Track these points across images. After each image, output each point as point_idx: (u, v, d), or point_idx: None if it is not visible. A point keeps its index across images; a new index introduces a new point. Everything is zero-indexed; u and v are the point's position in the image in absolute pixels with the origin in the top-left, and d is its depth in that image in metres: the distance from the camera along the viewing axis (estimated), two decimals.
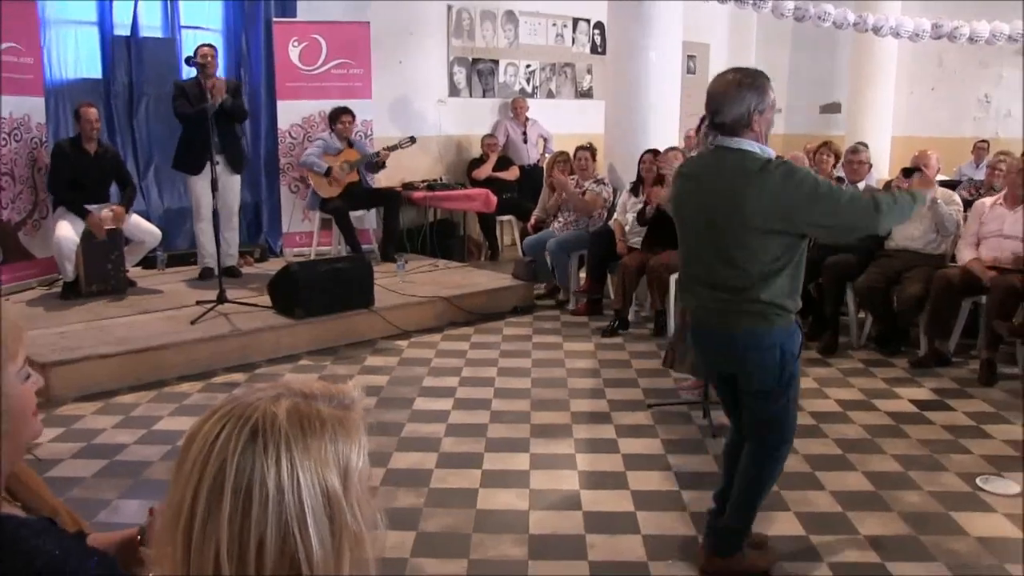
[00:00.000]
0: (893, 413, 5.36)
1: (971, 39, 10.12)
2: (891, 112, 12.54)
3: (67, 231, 6.86)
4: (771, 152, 3.21)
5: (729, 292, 3.25)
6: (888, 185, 4.86)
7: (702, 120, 5.35)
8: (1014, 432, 5.15)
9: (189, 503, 1.04)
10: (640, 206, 7.18)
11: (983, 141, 10.69)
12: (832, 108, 13.99)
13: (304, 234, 9.01)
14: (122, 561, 1.72)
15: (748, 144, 3.20)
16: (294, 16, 9.09)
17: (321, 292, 6.54)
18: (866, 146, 7.52)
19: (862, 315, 6.88)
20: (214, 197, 6.75)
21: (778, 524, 3.98)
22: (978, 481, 4.42)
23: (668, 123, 8.16)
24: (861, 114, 12.49)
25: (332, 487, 1.06)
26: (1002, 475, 4.53)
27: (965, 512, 4.09)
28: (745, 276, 3.20)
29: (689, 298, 3.48)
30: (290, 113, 8.95)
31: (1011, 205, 6.25)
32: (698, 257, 3.38)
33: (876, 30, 9.95)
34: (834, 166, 8.05)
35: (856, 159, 7.11)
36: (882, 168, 10.46)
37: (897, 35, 10.10)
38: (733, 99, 3.18)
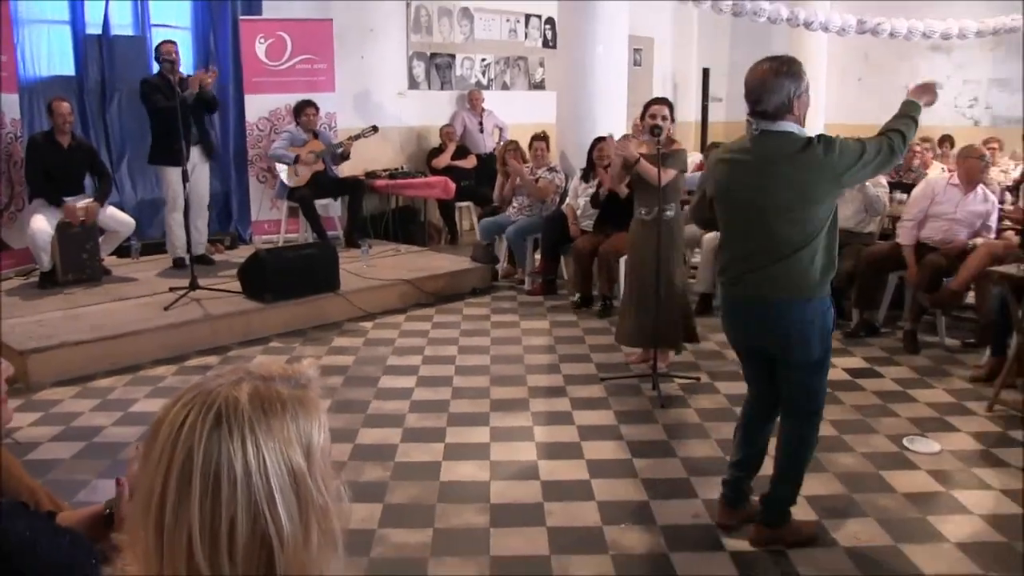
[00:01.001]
0: (828, 381, 5.39)
1: (892, 35, 10.25)
2: (824, 101, 12.62)
3: (42, 223, 6.71)
4: (806, 132, 3.27)
5: (776, 269, 3.25)
6: None
7: (645, 108, 5.36)
8: (936, 395, 5.24)
9: (159, 490, 1.01)
10: (592, 191, 7.16)
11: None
12: None
13: (272, 222, 8.89)
14: (92, 535, 1.68)
15: (790, 126, 3.24)
16: (260, 14, 8.93)
17: (289, 277, 6.46)
18: None
19: None
20: (186, 187, 6.63)
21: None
22: (904, 442, 4.49)
23: (616, 112, 8.14)
24: None
25: (297, 465, 1.04)
26: (925, 435, 4.61)
27: (894, 471, 4.15)
28: (791, 250, 3.22)
29: (742, 277, 3.38)
30: (257, 107, 8.81)
31: (967, 190, 6.24)
32: (746, 236, 3.36)
33: (807, 25, 10.03)
34: None
35: None
36: None
37: (826, 30, 10.20)
38: (773, 87, 3.21)
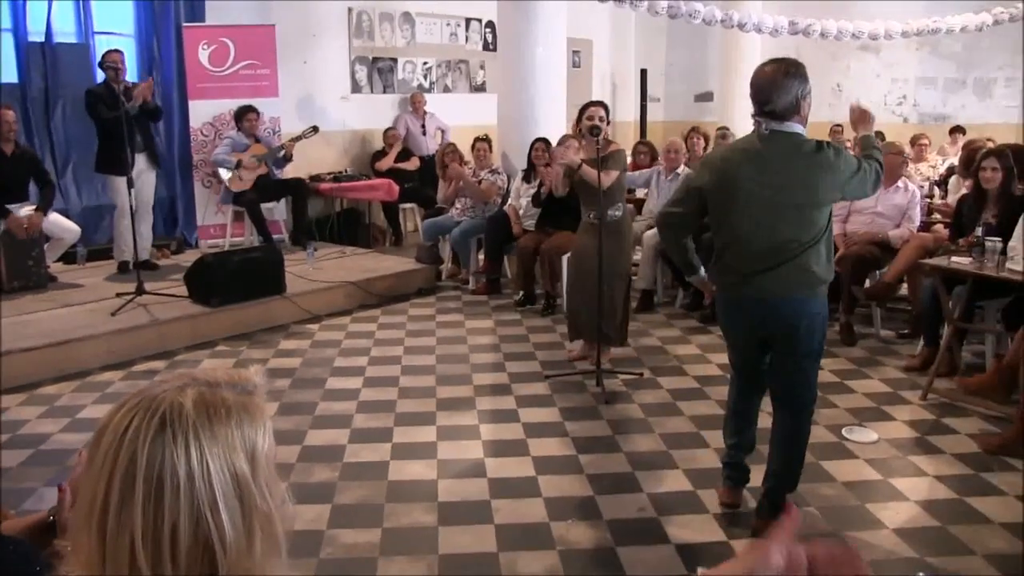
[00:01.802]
0: None
1: (822, 35, 10.43)
2: None
3: None
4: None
5: (785, 264, 3.30)
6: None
7: (582, 111, 5.36)
8: (873, 386, 5.32)
9: (103, 495, 0.99)
10: (533, 191, 7.15)
11: (838, 125, 10.99)
12: (705, 97, 14.20)
13: (218, 226, 8.74)
14: (37, 543, 1.65)
15: (797, 127, 3.31)
16: (203, 20, 8.77)
17: (235, 281, 6.36)
18: (729, 130, 7.65)
19: None
20: (131, 194, 6.51)
21: (668, 481, 4.02)
22: (843, 432, 4.54)
23: (556, 114, 8.14)
24: (731, 102, 12.68)
25: (241, 471, 1.02)
26: (863, 425, 4.67)
27: (833, 460, 4.20)
28: (800, 249, 3.29)
29: (757, 275, 3.37)
30: (201, 112, 8.65)
31: (887, 184, 6.32)
32: (755, 233, 3.35)
33: (741, 26, 10.14)
34: (705, 148, 8.18)
35: (724, 142, 7.23)
36: None
37: (759, 31, 10.32)
38: (782, 88, 3.25)
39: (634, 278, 7.19)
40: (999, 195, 5.40)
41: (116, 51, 7.17)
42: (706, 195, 3.50)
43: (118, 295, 6.32)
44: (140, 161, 7.18)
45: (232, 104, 8.57)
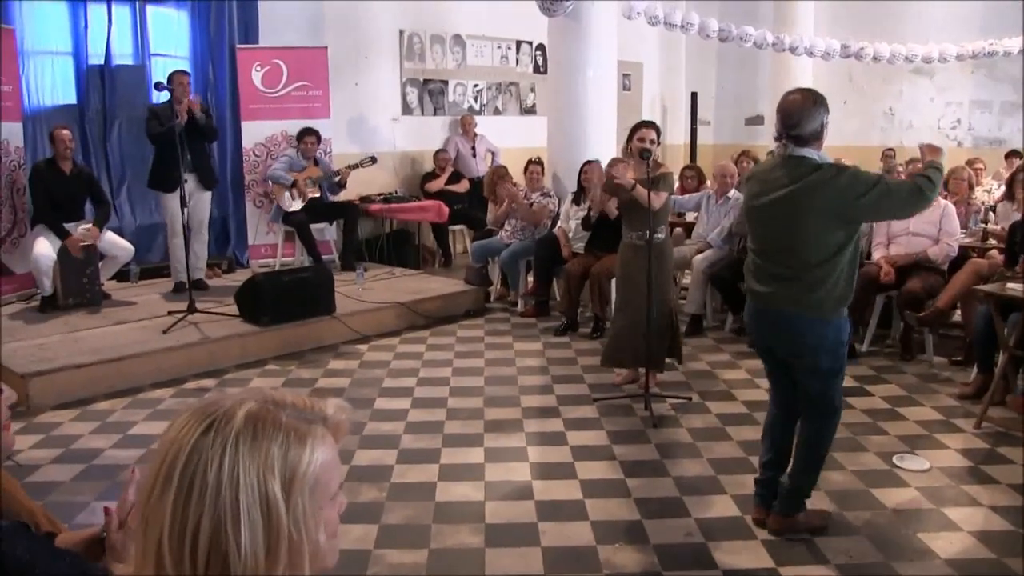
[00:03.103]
0: None
1: (875, 58, 10.35)
2: None
3: (45, 248, 6.71)
4: (828, 158, 3.53)
5: (801, 284, 3.45)
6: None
7: (632, 131, 5.37)
8: (925, 413, 5.23)
9: (148, 486, 1.03)
10: (583, 213, 7.17)
11: (889, 149, 10.89)
12: (756, 120, 14.12)
13: (269, 246, 8.89)
14: (89, 556, 1.69)
15: (816, 154, 3.47)
16: (256, 42, 8.96)
17: (285, 300, 6.45)
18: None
19: None
20: (184, 213, 6.65)
21: (716, 506, 3.99)
22: (894, 459, 4.47)
23: (606, 136, 8.16)
24: None
25: (272, 492, 1.02)
26: (915, 453, 4.60)
27: (883, 488, 4.14)
28: (815, 271, 3.42)
29: (760, 285, 3.60)
30: (254, 133, 8.83)
31: None
32: (775, 251, 3.55)
33: (792, 50, 10.11)
34: None
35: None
36: None
37: (811, 54, 10.28)
38: (811, 114, 3.43)
39: (683, 302, 7.24)
40: None
41: (183, 72, 7.39)
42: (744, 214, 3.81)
43: (170, 313, 6.46)
44: (191, 181, 7.32)
45: (284, 125, 8.75)
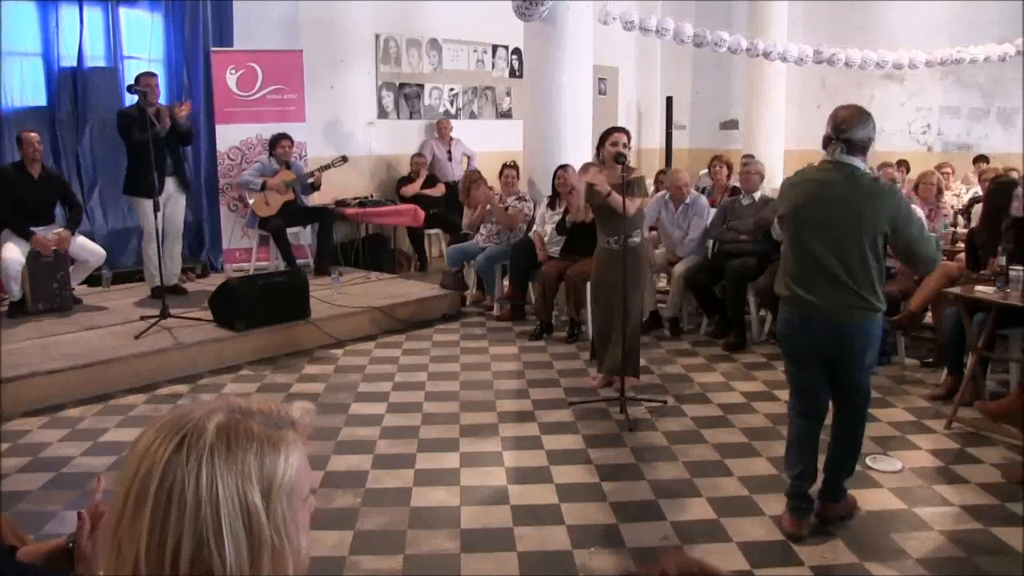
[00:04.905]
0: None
1: (847, 64, 10.45)
2: (783, 128, 12.79)
3: (13, 252, 6.62)
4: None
5: (850, 288, 3.57)
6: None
7: (604, 136, 5.39)
8: (897, 414, 5.28)
9: (120, 506, 1.01)
10: (558, 217, 7.18)
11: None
12: (731, 125, 14.22)
13: (243, 250, 8.83)
14: (54, 569, 1.65)
15: (860, 163, 3.62)
16: (231, 45, 8.90)
17: (260, 305, 6.41)
18: (754, 158, 7.65)
19: (763, 313, 6.98)
20: (160, 218, 6.59)
21: (692, 509, 4.00)
22: (867, 460, 4.50)
23: (581, 141, 8.18)
24: (756, 130, 12.69)
25: (252, 502, 1.01)
26: (887, 454, 4.64)
27: (857, 489, 4.15)
28: (863, 275, 3.56)
29: (809, 294, 3.66)
30: (228, 137, 8.77)
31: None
32: (822, 255, 3.61)
33: (766, 55, 10.19)
34: (728, 177, 8.16)
35: (745, 170, 7.23)
36: (776, 179, 10.65)
37: (784, 59, 10.36)
38: (864, 123, 3.61)
39: (662, 306, 7.28)
40: (1015, 223, 5.42)
41: (150, 74, 7.28)
42: (781, 216, 3.93)
43: (142, 318, 6.39)
44: (170, 185, 7.25)
45: (259, 129, 8.69)
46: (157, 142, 6.60)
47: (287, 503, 1.05)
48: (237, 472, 1.01)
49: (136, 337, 6.06)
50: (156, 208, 6.55)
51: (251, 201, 8.41)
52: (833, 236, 3.58)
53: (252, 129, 8.75)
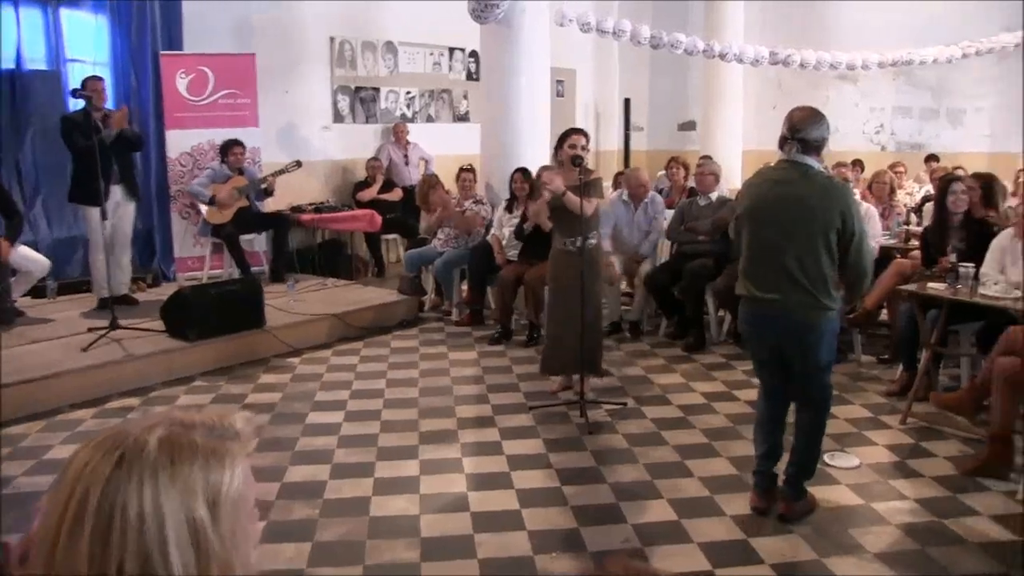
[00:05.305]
0: (752, 402, 5.46)
1: (802, 65, 10.60)
2: (740, 129, 12.92)
3: None
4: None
5: (803, 286, 3.65)
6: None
7: (563, 138, 5.40)
8: (854, 411, 5.37)
9: (54, 530, 0.99)
10: (516, 221, 7.18)
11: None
12: (688, 126, 14.35)
13: (196, 258, 8.71)
14: None
15: (814, 163, 3.73)
16: (181, 48, 8.77)
17: (214, 314, 6.32)
18: (711, 159, 7.72)
19: (721, 313, 7.04)
20: (109, 226, 6.46)
21: (653, 511, 4.02)
22: (825, 457, 4.55)
23: (539, 143, 8.19)
24: (714, 131, 12.81)
25: (198, 517, 1.00)
26: (845, 450, 4.71)
27: (816, 486, 4.20)
28: (817, 272, 3.65)
29: (765, 292, 3.76)
30: (179, 142, 8.65)
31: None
32: (777, 253, 3.70)
33: (722, 56, 10.29)
34: (686, 178, 8.22)
35: (700, 171, 7.29)
36: (734, 180, 10.76)
37: (740, 60, 10.47)
38: (818, 123, 3.75)
39: (627, 309, 7.35)
40: (964, 221, 5.56)
41: (97, 78, 7.15)
42: (738, 215, 3.96)
43: (90, 330, 6.26)
44: (117, 192, 7.11)
45: (211, 134, 8.59)
46: (103, 148, 6.47)
47: (234, 515, 1.04)
48: (181, 486, 1.00)
49: (84, 349, 5.94)
50: (104, 216, 6.42)
51: (203, 209, 8.31)
52: (788, 234, 3.66)
53: (204, 134, 8.64)
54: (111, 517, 0.96)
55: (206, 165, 8.49)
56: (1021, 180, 8.47)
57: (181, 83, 8.59)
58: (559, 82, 12.85)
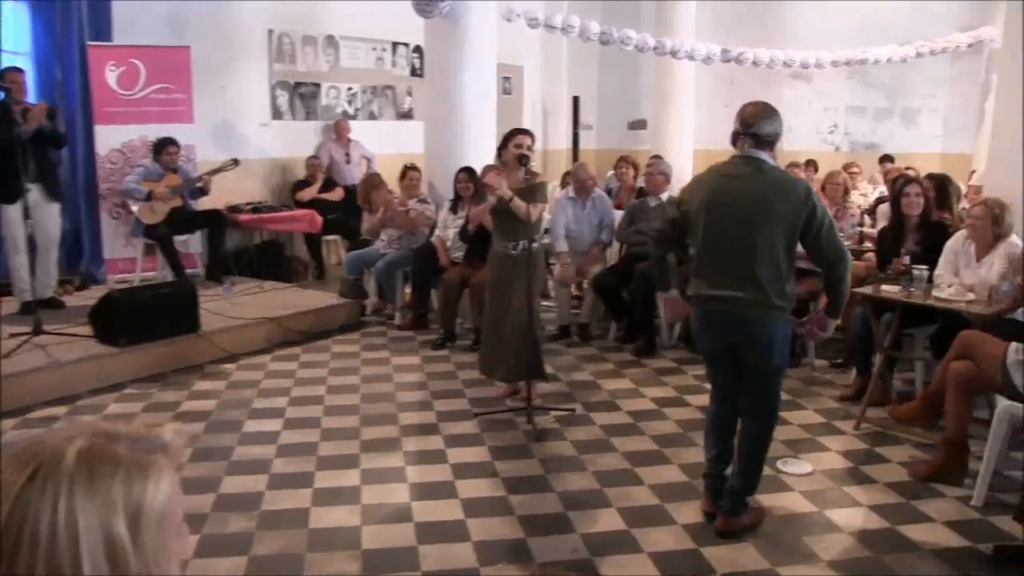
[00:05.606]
0: (704, 407, 5.51)
1: (754, 63, 10.75)
2: (691, 128, 13.05)
3: None
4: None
5: (759, 284, 3.66)
6: None
7: (507, 138, 5.41)
8: (807, 416, 5.45)
9: None
10: (461, 222, 7.17)
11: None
12: (639, 125, 14.45)
13: (127, 260, 8.54)
14: None
15: (767, 158, 3.75)
16: (109, 40, 8.61)
17: (145, 318, 6.22)
18: (661, 159, 7.79)
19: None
20: (28, 226, 6.29)
21: (602, 520, 4.04)
22: (778, 464, 4.63)
23: (485, 142, 8.18)
24: (664, 130, 12.91)
25: (116, 533, 0.98)
26: (798, 457, 4.77)
27: (769, 493, 4.28)
28: (771, 270, 3.65)
29: (718, 290, 3.76)
30: (109, 138, 8.46)
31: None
32: (730, 249, 3.72)
33: (673, 53, 10.39)
34: (635, 178, 8.28)
35: (649, 171, 7.36)
36: (684, 180, 10.84)
37: (692, 58, 10.59)
38: (771, 118, 3.78)
39: (576, 311, 7.35)
40: (919, 223, 5.67)
41: (16, 69, 6.98)
42: (687, 212, 3.92)
43: (11, 336, 6.09)
44: (34, 192, 6.90)
45: (143, 130, 8.44)
46: (21, 144, 6.30)
47: (157, 531, 1.02)
48: (100, 501, 0.98)
49: (4, 356, 5.79)
50: (27, 216, 6.26)
51: (135, 207, 8.15)
52: (743, 230, 3.67)
53: (135, 130, 8.48)
54: (20, 532, 0.94)
55: (137, 162, 8.33)
56: (972, 182, 8.70)
57: (111, 76, 8.42)
58: (506, 79, 12.86)
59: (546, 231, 7.26)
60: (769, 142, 3.76)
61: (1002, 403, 4.27)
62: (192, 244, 8.66)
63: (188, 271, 8.24)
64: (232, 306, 7.27)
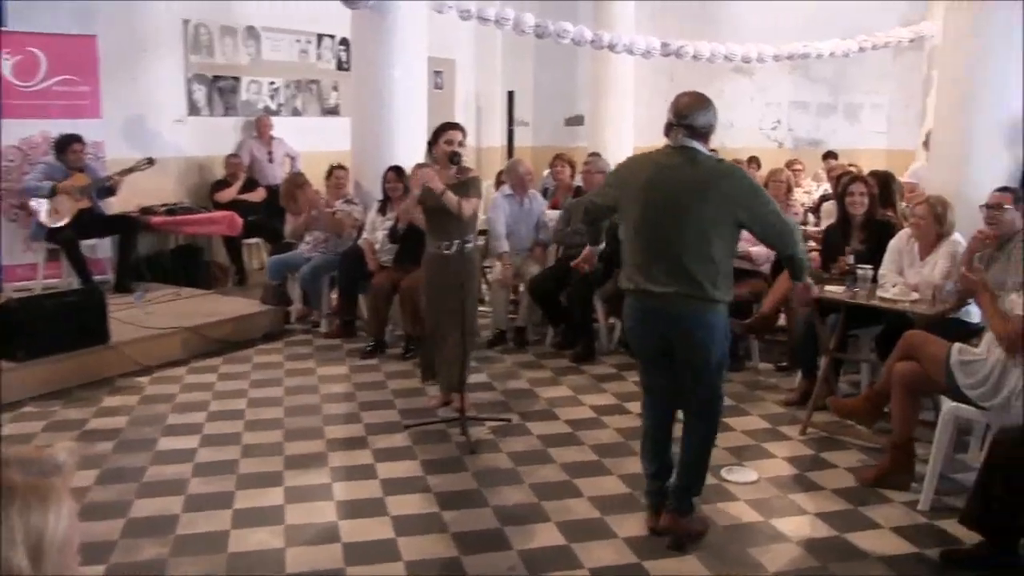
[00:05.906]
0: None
1: (695, 57, 10.87)
2: (631, 123, 13.16)
3: None
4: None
5: (694, 277, 3.66)
6: None
7: (438, 134, 5.39)
8: (752, 422, 5.52)
9: None
10: (390, 223, 7.11)
11: (712, 149, 11.43)
12: (576, 121, 14.53)
13: (27, 266, 8.30)
14: None
15: (702, 148, 3.77)
16: (3, 26, 8.34)
17: (47, 329, 6.05)
18: (599, 156, 7.83)
19: (611, 321, 7.12)
20: None
21: (540, 535, 4.03)
22: (723, 472, 4.67)
23: (415, 139, 8.11)
24: (603, 126, 13.02)
25: (16, 566, 0.94)
26: (743, 464, 4.82)
27: (712, 503, 4.31)
28: (705, 261, 3.66)
29: (654, 284, 3.74)
30: (5, 134, 8.19)
31: None
32: (662, 240, 3.72)
33: (612, 47, 10.46)
34: (572, 176, 8.30)
35: (587, 169, 7.39)
36: None
37: (631, 52, 10.66)
38: (705, 109, 3.80)
39: (513, 316, 7.32)
40: (864, 221, 5.77)
41: None
42: (617, 196, 3.96)
43: None
44: None
45: (44, 125, 8.22)
46: None
47: (59, 560, 0.99)
48: None
49: None
50: None
51: (39, 208, 7.91)
52: (677, 221, 3.67)
53: (35, 125, 8.25)
54: None
55: (38, 160, 8.10)
56: (906, 178, 8.88)
57: (5, 65, 8.16)
58: (437, 73, 12.83)
59: (482, 232, 7.25)
60: (703, 134, 3.78)
61: (947, 405, 4.36)
62: (101, 249, 8.46)
63: (96, 278, 8.07)
64: (146, 315, 7.11)
